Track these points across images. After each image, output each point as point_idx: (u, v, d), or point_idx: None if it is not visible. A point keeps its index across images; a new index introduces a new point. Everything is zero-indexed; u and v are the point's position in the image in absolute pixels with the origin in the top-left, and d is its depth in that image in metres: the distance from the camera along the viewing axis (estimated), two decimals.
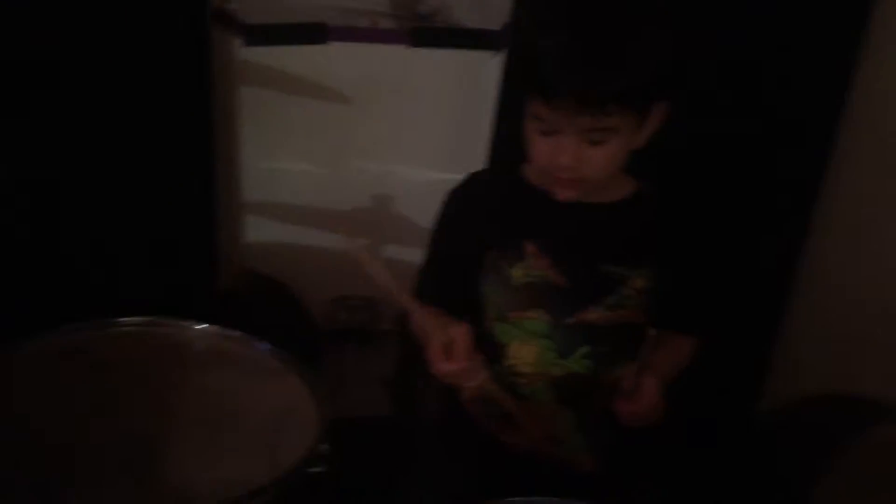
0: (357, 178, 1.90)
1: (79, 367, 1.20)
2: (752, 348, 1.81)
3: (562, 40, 1.04)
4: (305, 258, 1.91)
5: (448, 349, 1.08)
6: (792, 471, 1.09)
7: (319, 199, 1.91)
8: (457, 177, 1.29)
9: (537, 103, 1.08)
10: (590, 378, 1.21)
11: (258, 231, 1.93)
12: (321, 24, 1.69)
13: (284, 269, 1.89)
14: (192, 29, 1.60)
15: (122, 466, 1.06)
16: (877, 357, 1.84)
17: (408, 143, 1.88)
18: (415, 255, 1.37)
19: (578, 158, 1.09)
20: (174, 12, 1.56)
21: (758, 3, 1.56)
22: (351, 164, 1.89)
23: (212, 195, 1.74)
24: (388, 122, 1.85)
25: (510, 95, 1.64)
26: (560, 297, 1.19)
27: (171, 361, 1.25)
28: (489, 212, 1.23)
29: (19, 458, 1.04)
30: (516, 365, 1.22)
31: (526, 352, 1.21)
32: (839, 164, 1.72)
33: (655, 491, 1.25)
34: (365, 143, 1.88)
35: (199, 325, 1.29)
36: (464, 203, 1.25)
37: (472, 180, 1.27)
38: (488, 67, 1.72)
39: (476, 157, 1.71)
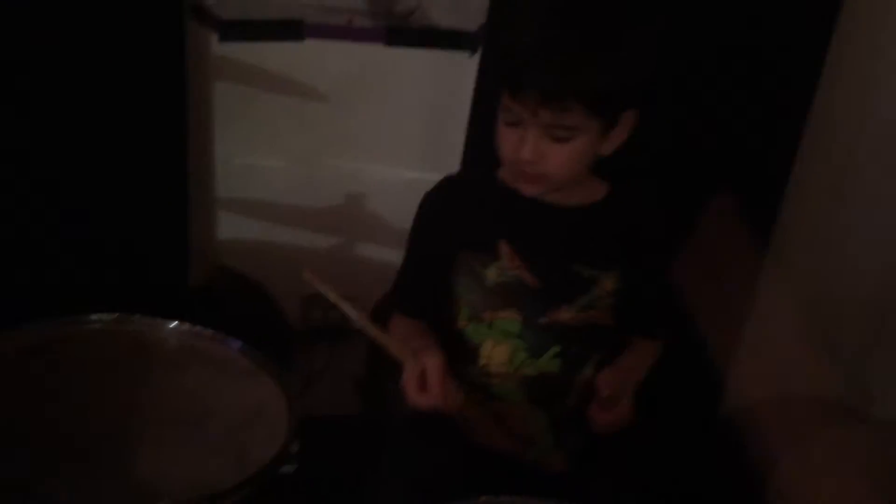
0: (331, 176, 1.89)
1: (47, 365, 1.19)
2: (717, 351, 1.83)
3: (531, 38, 1.09)
4: (279, 255, 1.90)
5: (422, 378, 1.10)
6: (755, 470, 1.12)
7: (293, 197, 1.90)
8: (431, 176, 1.29)
9: (506, 95, 1.12)
10: (560, 378, 1.23)
11: (231, 228, 1.92)
12: (298, 21, 1.69)
13: (257, 266, 1.88)
14: (168, 24, 1.59)
15: (90, 465, 1.05)
16: (834, 361, 1.89)
17: (383, 141, 1.88)
18: (388, 254, 1.37)
19: (540, 153, 1.12)
20: (150, 7, 1.55)
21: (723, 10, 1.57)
22: (325, 161, 1.88)
23: (185, 191, 1.73)
24: (363, 121, 1.85)
25: (485, 96, 1.65)
26: (533, 297, 1.21)
27: (142, 359, 1.24)
28: (464, 213, 1.24)
29: None
30: (489, 365, 1.23)
31: (499, 352, 1.22)
32: (801, 170, 1.75)
33: (625, 491, 1.26)
34: (340, 141, 1.88)
35: (171, 322, 1.28)
36: (439, 206, 1.26)
37: (447, 183, 1.28)
38: (464, 68, 1.72)
39: (451, 158, 1.72)
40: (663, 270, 1.28)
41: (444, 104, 1.82)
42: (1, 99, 1.51)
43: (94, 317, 1.27)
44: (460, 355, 1.23)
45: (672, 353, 1.30)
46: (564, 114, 1.09)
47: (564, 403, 1.25)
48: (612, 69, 1.08)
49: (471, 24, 1.70)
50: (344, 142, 1.88)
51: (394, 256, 1.33)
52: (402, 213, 1.31)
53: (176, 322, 1.28)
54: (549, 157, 1.13)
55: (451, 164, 1.70)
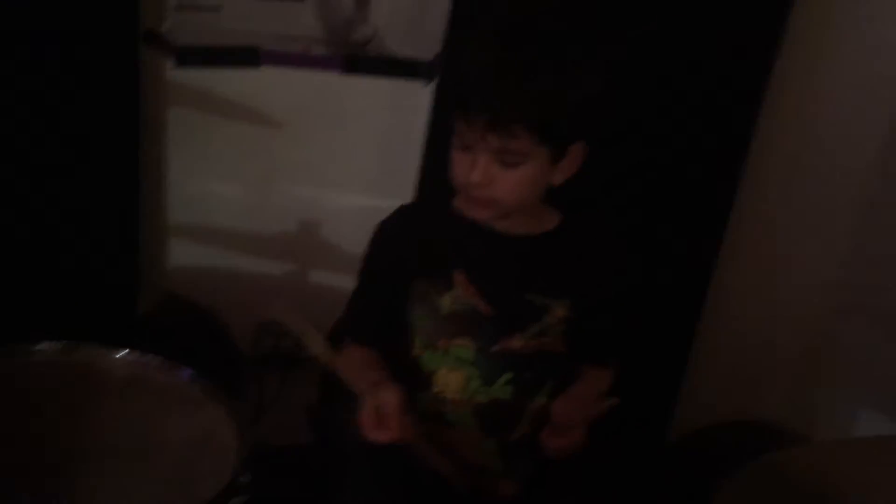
0: (285, 203, 1.88)
1: None
2: (663, 378, 1.87)
3: (480, 63, 1.12)
4: (231, 283, 1.88)
5: (380, 412, 1.10)
6: (701, 496, 1.14)
7: (247, 223, 1.89)
8: (385, 203, 1.30)
9: (458, 119, 1.14)
10: (512, 405, 1.24)
11: (183, 254, 1.89)
12: (254, 48, 1.69)
13: (209, 293, 1.86)
14: (122, 49, 1.58)
15: (35, 498, 1.02)
16: (778, 386, 1.94)
17: (337, 169, 1.88)
18: (342, 281, 1.37)
19: (489, 177, 1.14)
20: (104, 31, 1.54)
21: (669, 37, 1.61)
22: (279, 188, 1.88)
23: (136, 217, 1.71)
24: (317, 148, 1.85)
25: (440, 125, 1.66)
26: (486, 325, 1.22)
27: (89, 388, 1.22)
28: (419, 242, 1.25)
29: None
30: (444, 392, 1.24)
31: (453, 379, 1.23)
32: (746, 199, 1.81)
33: None
34: (294, 168, 1.87)
35: (119, 351, 1.26)
36: (394, 235, 1.27)
37: (403, 212, 1.30)
38: (419, 96, 1.74)
39: (405, 186, 1.72)
40: (616, 300, 1.30)
41: (398, 132, 1.83)
42: None
43: (40, 345, 1.24)
44: (415, 382, 1.23)
45: (622, 379, 1.32)
46: (512, 140, 1.11)
47: (515, 430, 1.26)
48: (557, 98, 1.10)
49: (427, 54, 1.72)
50: (298, 169, 1.87)
51: (347, 283, 1.33)
52: (356, 240, 1.31)
53: (125, 350, 1.26)
54: (498, 181, 1.15)
55: (405, 192, 1.71)
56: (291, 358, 1.86)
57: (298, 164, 1.87)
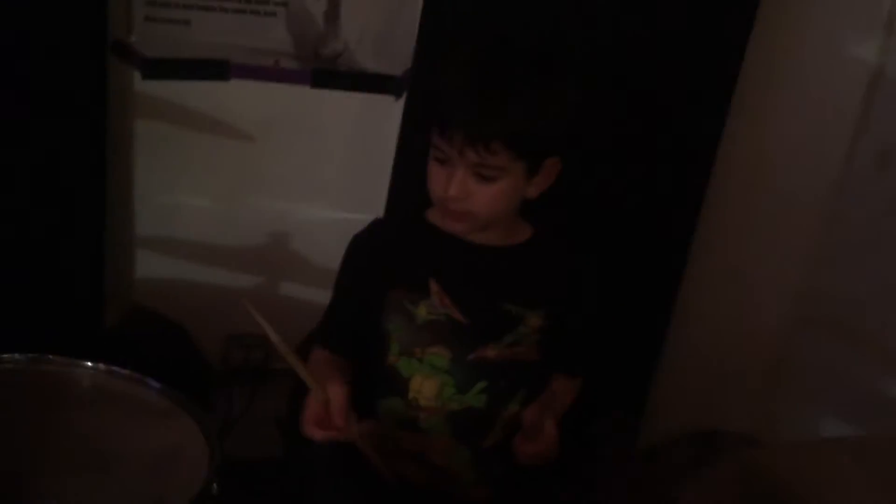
0: (254, 216, 1.88)
1: None
2: (630, 388, 1.89)
3: (458, 81, 1.14)
4: (200, 295, 1.87)
5: (326, 408, 1.10)
6: (670, 500, 1.15)
7: (215, 236, 1.88)
8: (355, 216, 1.31)
9: (435, 134, 1.16)
10: (485, 412, 1.26)
11: (151, 267, 1.88)
12: (223, 61, 1.68)
13: (178, 306, 1.85)
14: (90, 60, 1.57)
15: None
16: (743, 395, 1.97)
17: (307, 182, 1.88)
18: (312, 294, 1.37)
19: (466, 191, 1.16)
20: (72, 43, 1.53)
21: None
22: (249, 201, 1.87)
23: (102, 229, 1.70)
24: (287, 161, 1.85)
25: (410, 139, 1.68)
26: (461, 334, 1.24)
27: (56, 401, 1.21)
28: (394, 253, 1.27)
29: None
30: (418, 399, 1.25)
31: (427, 386, 1.24)
32: (711, 213, 1.84)
33: None
34: (263, 181, 1.87)
35: (86, 363, 1.25)
36: (369, 247, 1.29)
37: (377, 225, 1.32)
38: (389, 110, 1.75)
39: (375, 199, 1.73)
40: (588, 310, 1.31)
41: (368, 146, 1.84)
42: None
43: (5, 357, 1.23)
44: (390, 389, 1.24)
45: (592, 387, 1.34)
46: (489, 155, 1.13)
47: (488, 437, 1.27)
48: (532, 114, 1.13)
49: (397, 69, 1.73)
50: (267, 182, 1.87)
51: (317, 296, 1.33)
52: (325, 253, 1.31)
53: (92, 363, 1.25)
54: (475, 195, 1.17)
55: (375, 205, 1.71)
56: (261, 371, 1.85)
57: (268, 177, 1.87)
